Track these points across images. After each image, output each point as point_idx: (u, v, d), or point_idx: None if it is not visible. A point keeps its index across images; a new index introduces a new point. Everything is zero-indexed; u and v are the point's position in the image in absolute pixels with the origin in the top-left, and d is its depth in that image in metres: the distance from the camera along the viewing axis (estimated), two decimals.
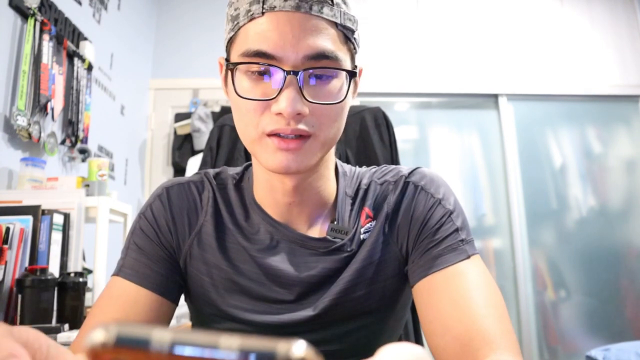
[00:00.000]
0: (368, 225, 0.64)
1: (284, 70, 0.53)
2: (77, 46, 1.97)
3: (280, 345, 0.18)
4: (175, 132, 2.81)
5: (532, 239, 2.90)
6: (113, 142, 2.38)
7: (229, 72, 0.57)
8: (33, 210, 1.18)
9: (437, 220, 0.61)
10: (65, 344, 0.98)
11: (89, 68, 2.03)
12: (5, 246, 1.09)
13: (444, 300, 0.55)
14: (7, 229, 1.11)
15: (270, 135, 0.55)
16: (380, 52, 3.03)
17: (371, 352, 0.72)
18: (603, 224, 2.96)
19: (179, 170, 2.75)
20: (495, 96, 3.05)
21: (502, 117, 3.02)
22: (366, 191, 0.66)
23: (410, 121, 3.10)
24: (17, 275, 1.09)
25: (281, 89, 0.53)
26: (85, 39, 2.05)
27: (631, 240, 2.96)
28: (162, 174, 2.87)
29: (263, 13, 0.53)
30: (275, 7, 0.53)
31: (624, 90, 3.10)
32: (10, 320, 1.06)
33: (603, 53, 3.15)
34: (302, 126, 0.54)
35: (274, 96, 0.53)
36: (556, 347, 2.81)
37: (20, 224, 1.14)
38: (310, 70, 0.54)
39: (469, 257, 0.58)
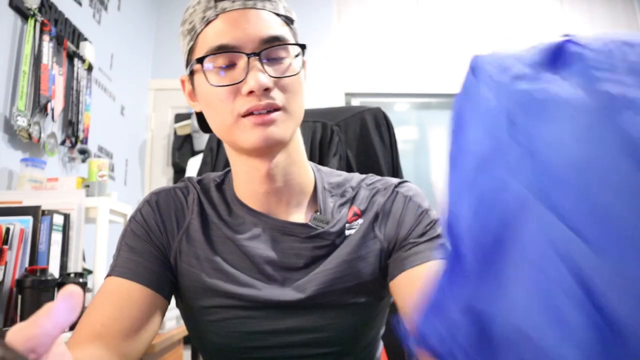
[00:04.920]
0: (355, 222, 0.68)
1: (246, 54, 0.59)
2: (77, 47, 1.97)
3: None
4: (175, 133, 2.81)
5: None
6: (113, 143, 2.38)
7: (198, 75, 0.63)
8: (33, 211, 1.18)
9: (424, 226, 0.66)
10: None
11: (89, 68, 2.03)
12: (5, 247, 1.09)
13: (421, 292, 0.56)
14: (7, 230, 1.11)
15: (245, 115, 0.60)
16: (380, 52, 3.03)
17: (357, 342, 0.72)
18: None
19: (179, 170, 2.75)
20: None
21: None
22: (357, 193, 0.70)
23: (410, 121, 3.10)
24: (17, 276, 1.09)
25: (247, 72, 0.59)
26: (86, 39, 2.05)
27: None
28: (162, 175, 2.87)
29: (217, 16, 0.61)
30: (226, 8, 0.61)
31: None
32: (10, 321, 1.07)
33: None
34: (272, 100, 0.59)
35: (242, 79, 0.59)
36: None
37: (20, 225, 1.14)
38: (268, 50, 0.60)
39: None
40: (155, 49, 3.00)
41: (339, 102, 2.94)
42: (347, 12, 3.13)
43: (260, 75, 0.58)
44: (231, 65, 0.60)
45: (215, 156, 1.23)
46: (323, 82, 2.89)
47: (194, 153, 2.70)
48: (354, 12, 3.13)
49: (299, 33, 0.68)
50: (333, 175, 0.74)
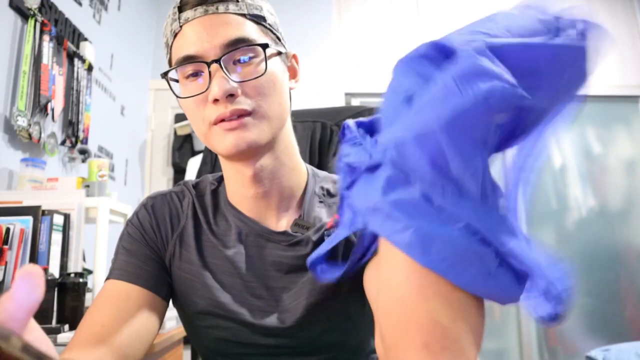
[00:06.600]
0: (333, 229, 0.66)
1: (207, 63, 0.58)
2: (78, 47, 1.97)
3: None
4: (175, 133, 2.81)
5: (531, 239, 2.89)
6: (113, 143, 2.38)
7: (171, 85, 0.63)
8: (33, 211, 1.18)
9: None
10: (65, 345, 0.98)
11: (89, 68, 2.03)
12: (6, 247, 1.09)
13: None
14: (7, 230, 1.11)
15: (215, 123, 0.59)
16: (380, 53, 3.03)
17: (344, 348, 0.70)
18: (603, 224, 2.96)
19: (179, 170, 2.75)
20: None
21: None
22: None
23: None
24: None
25: (210, 80, 0.58)
26: (86, 39, 2.05)
27: (631, 240, 2.96)
28: (162, 175, 2.87)
29: (181, 27, 0.61)
30: (188, 17, 0.60)
31: (623, 91, 3.10)
32: None
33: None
34: (238, 105, 0.58)
35: (206, 87, 0.59)
36: (556, 348, 2.81)
37: (21, 225, 1.14)
38: (230, 53, 0.58)
39: None
40: (155, 49, 3.00)
41: (339, 102, 2.94)
42: (347, 12, 3.13)
43: (223, 82, 0.57)
44: (198, 75, 0.60)
45: (215, 156, 1.23)
46: (323, 82, 2.89)
47: (194, 153, 2.70)
48: (354, 13, 3.13)
49: (279, 28, 0.66)
50: (328, 180, 0.72)
